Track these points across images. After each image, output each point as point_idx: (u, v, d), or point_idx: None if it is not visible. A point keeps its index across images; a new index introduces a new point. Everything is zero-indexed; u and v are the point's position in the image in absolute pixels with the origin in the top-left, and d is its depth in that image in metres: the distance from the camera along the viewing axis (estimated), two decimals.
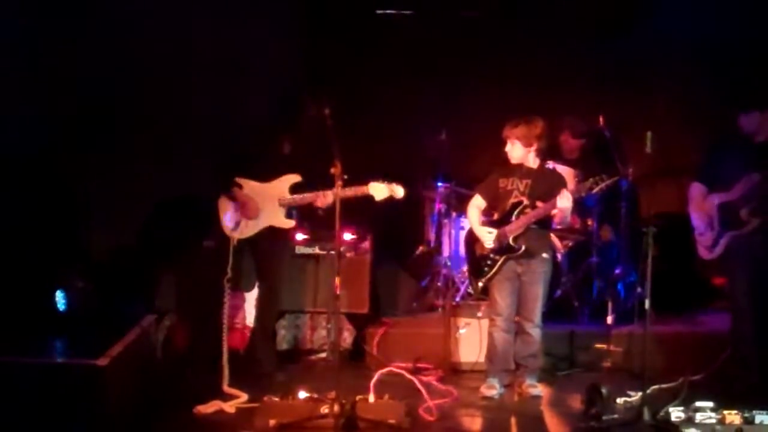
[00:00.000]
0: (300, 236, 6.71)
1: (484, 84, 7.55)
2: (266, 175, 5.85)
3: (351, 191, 5.50)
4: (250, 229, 5.83)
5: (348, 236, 6.73)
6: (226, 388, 5.39)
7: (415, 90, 7.60)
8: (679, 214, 6.35)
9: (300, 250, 6.71)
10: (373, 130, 7.42)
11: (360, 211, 5.94)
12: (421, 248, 7.36)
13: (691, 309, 7.05)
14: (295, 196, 5.83)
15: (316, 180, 5.72)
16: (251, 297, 6.30)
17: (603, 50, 7.54)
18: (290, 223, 5.92)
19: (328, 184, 5.33)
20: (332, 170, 5.05)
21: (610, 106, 7.01)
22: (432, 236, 7.26)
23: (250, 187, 5.85)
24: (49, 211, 6.68)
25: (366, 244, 6.83)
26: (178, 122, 7.07)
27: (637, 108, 7.26)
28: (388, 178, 5.66)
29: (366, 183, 5.61)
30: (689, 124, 7.25)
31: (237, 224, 5.79)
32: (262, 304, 6.05)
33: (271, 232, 5.89)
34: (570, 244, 7.01)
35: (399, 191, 5.64)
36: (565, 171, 6.39)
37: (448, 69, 7.60)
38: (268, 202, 5.84)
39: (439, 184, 7.08)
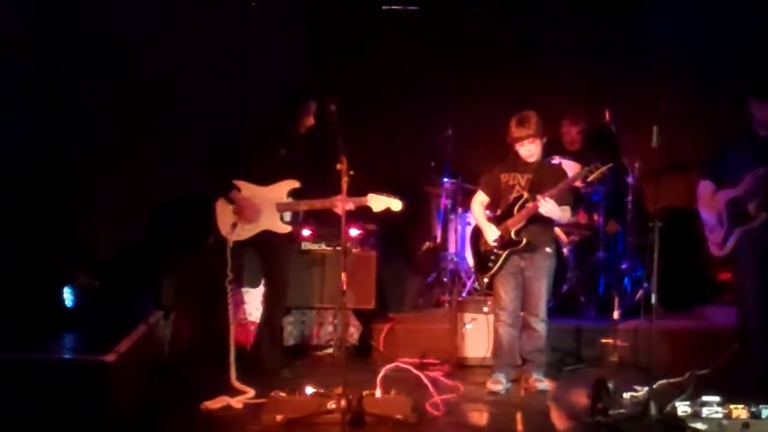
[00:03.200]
0: (306, 232, 6.71)
1: (490, 79, 7.53)
2: (264, 178, 5.79)
3: (351, 202, 5.44)
4: (246, 232, 5.76)
5: (354, 232, 6.72)
6: (234, 382, 5.40)
7: (420, 86, 7.60)
8: (685, 209, 6.34)
9: (306, 246, 6.69)
10: (378, 127, 7.42)
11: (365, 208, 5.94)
12: (427, 244, 7.35)
13: (698, 303, 7.04)
14: (293, 201, 5.79)
15: (312, 186, 5.73)
16: (256, 293, 6.31)
17: (609, 45, 7.53)
18: (287, 228, 5.84)
19: (326, 190, 5.41)
20: (338, 166, 5.03)
21: (616, 101, 7.00)
22: (438, 232, 7.26)
23: (248, 189, 5.78)
24: (55, 209, 6.69)
25: (372, 240, 6.82)
26: (181, 122, 7.08)
27: (643, 102, 7.24)
28: (389, 190, 5.64)
29: (365, 194, 5.56)
30: (696, 119, 7.23)
31: (234, 227, 5.72)
32: (268, 302, 6.03)
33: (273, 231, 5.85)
34: (576, 238, 7.01)
35: (396, 204, 5.59)
36: (572, 165, 6.38)
37: (453, 65, 7.59)
38: (266, 206, 5.78)
39: (445, 179, 7.08)
